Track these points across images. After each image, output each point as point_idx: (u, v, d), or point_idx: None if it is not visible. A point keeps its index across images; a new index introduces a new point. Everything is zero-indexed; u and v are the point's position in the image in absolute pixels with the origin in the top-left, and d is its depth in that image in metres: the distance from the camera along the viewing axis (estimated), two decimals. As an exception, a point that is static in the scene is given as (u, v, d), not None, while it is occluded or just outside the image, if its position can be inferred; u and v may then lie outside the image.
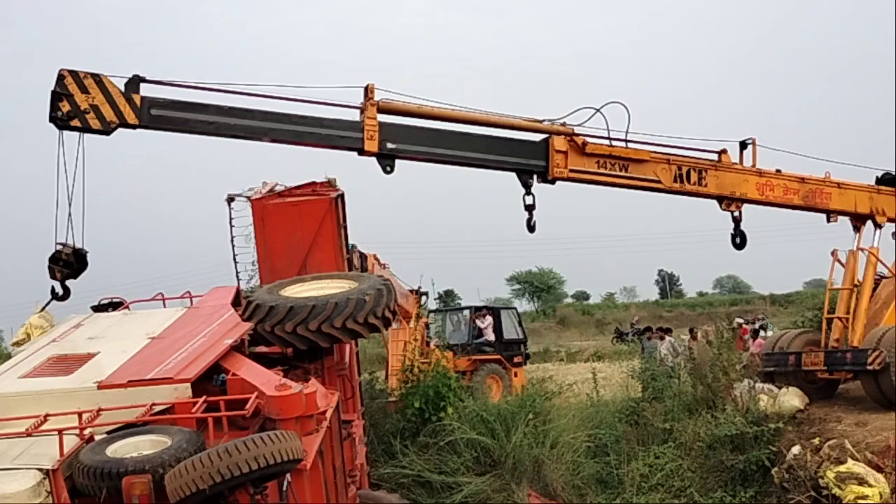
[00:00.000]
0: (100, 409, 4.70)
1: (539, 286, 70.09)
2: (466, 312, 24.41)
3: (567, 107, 10.59)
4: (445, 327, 24.30)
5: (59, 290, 7.69)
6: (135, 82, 8.24)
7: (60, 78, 7.99)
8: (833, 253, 13.06)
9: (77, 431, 4.45)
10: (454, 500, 11.66)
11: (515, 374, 22.10)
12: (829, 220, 12.59)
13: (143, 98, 8.25)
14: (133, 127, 8.25)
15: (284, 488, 4.40)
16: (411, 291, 17.29)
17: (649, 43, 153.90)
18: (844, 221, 12.86)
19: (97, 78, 8.07)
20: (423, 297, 19.28)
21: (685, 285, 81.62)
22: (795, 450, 10.91)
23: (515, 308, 29.41)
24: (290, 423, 4.68)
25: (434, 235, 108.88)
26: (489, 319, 23.05)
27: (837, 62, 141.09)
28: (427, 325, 18.49)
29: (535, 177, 10.47)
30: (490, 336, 22.80)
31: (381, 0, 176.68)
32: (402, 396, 13.75)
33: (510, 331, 23.55)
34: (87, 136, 7.98)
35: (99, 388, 5.01)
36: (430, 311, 25.29)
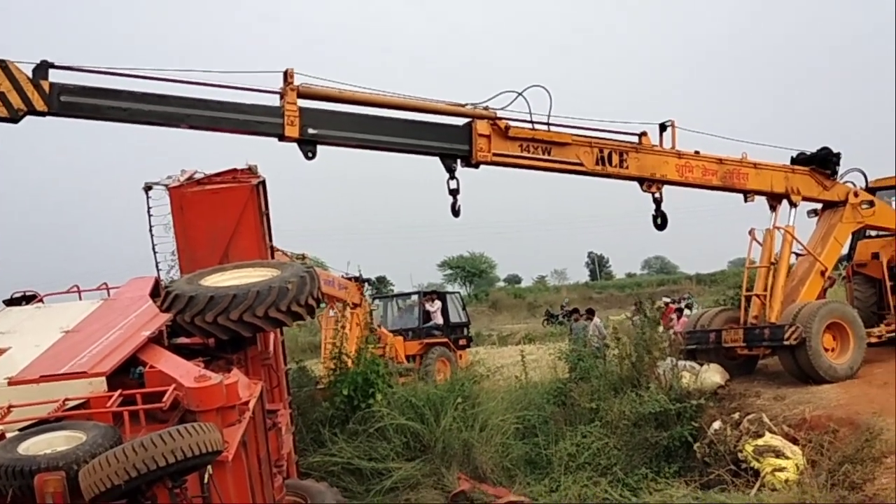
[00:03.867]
0: (10, 406, 4.56)
1: (471, 271, 70.63)
2: (415, 297, 24.80)
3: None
4: (388, 313, 24.44)
5: None
6: (43, 68, 7.98)
7: None
8: (750, 232, 13.39)
9: (-13, 429, 4.31)
10: (384, 487, 11.63)
11: (460, 357, 22.65)
12: (746, 200, 12.92)
13: (52, 84, 8.00)
14: (42, 114, 8.00)
15: (206, 481, 4.33)
16: (353, 279, 17.25)
17: (580, 28, 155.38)
18: (762, 201, 13.20)
19: (2, 64, 7.81)
20: (366, 285, 19.28)
21: (614, 267, 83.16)
22: (716, 425, 11.14)
23: (459, 293, 30.18)
24: (211, 415, 4.59)
25: (362, 222, 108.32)
26: (438, 303, 23.44)
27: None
28: (370, 312, 18.53)
29: (458, 161, 10.49)
30: (439, 320, 23.12)
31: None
32: (331, 384, 13.69)
33: (455, 315, 24.07)
34: None
35: (10, 384, 4.86)
36: (377, 298, 25.48)
